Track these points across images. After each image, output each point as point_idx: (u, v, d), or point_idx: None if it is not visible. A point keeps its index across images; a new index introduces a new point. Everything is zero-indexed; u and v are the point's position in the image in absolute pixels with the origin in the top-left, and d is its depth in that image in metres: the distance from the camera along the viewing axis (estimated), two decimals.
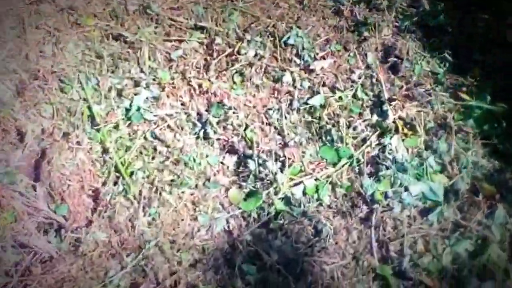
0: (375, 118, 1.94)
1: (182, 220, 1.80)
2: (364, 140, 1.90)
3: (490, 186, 1.90)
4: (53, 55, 1.97)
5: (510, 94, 2.08)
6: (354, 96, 2.00)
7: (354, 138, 1.90)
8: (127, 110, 1.92)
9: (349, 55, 2.11)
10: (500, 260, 1.78)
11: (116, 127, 1.89)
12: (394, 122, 1.91)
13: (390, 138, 1.87)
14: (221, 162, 1.88)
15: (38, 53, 1.95)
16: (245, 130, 1.91)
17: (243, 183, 1.82)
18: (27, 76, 1.88)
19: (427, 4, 2.29)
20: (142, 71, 2.02)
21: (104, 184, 1.76)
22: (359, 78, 2.04)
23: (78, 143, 1.80)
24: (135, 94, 1.94)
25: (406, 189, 1.76)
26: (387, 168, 1.81)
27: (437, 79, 2.09)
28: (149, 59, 2.05)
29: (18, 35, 1.97)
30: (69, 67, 1.95)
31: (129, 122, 1.91)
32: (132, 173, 1.79)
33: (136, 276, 1.62)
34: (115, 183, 1.76)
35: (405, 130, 1.92)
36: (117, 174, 1.78)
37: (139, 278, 1.62)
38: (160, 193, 1.77)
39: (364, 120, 1.93)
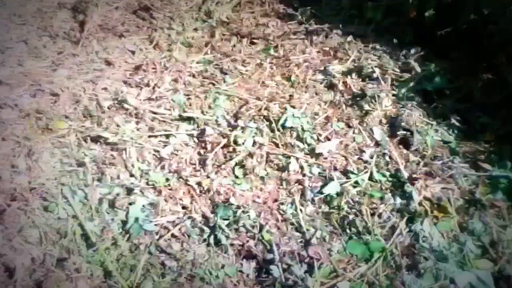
0: (398, 201, 2.25)
1: None
2: (393, 229, 2.17)
3: None
4: (27, 169, 2.18)
5: None
6: (371, 178, 2.33)
7: (381, 227, 2.18)
8: (124, 222, 2.14)
9: (354, 132, 2.50)
10: None
11: (115, 244, 2.07)
12: (420, 204, 2.22)
13: (421, 223, 2.16)
14: (240, 271, 2.09)
15: (10, 169, 2.16)
16: (260, 231, 2.15)
17: None
18: (3, 199, 2.05)
19: (418, 67, 2.79)
20: (132, 175, 2.28)
21: None
22: (371, 157, 2.38)
23: (77, 270, 1.92)
24: (130, 204, 2.16)
25: (452, 281, 2.00)
26: (426, 259, 2.06)
27: (451, 149, 2.47)
28: (138, 160, 2.33)
29: None
30: (49, 180, 2.17)
31: (128, 236, 2.11)
32: None
33: None
34: None
35: (435, 212, 2.23)
36: None
37: None
38: None
39: (388, 205, 2.24)
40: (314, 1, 3.60)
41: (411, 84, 2.75)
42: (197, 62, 2.97)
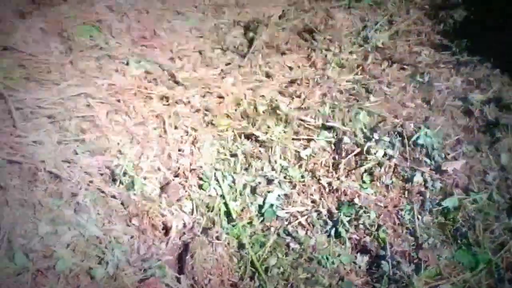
0: None
1: None
2: (502, 245, 2.47)
3: None
4: (191, 154, 2.84)
5: None
6: (490, 198, 2.62)
7: (491, 242, 2.48)
8: (260, 207, 2.71)
9: (481, 156, 2.79)
10: None
11: (251, 223, 2.65)
12: None
13: None
14: (354, 262, 2.55)
15: (177, 151, 2.83)
16: (377, 230, 2.58)
17: (377, 284, 2.44)
18: (170, 174, 2.74)
19: None
20: (273, 169, 2.85)
21: (241, 279, 2.45)
22: (494, 180, 2.67)
23: (217, 238, 2.50)
24: (268, 192, 2.73)
25: None
26: None
27: None
28: (280, 157, 2.89)
29: (160, 135, 2.90)
30: (206, 165, 2.80)
31: (262, 218, 2.68)
32: (267, 269, 2.47)
33: None
34: (251, 278, 2.44)
35: None
36: (253, 269, 2.48)
37: None
38: None
39: (501, 224, 2.53)
40: (472, 34, 3.88)
41: None
42: (347, 81, 3.47)
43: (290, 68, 3.73)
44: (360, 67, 3.64)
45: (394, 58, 3.69)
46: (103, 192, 2.52)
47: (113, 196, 2.53)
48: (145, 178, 2.68)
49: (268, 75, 3.59)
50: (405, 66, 3.59)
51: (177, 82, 3.35)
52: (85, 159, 2.60)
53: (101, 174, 2.62)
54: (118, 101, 2.97)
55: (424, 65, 3.55)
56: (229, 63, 3.74)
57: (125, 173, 2.61)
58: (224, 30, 4.14)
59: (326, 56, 3.77)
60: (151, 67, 3.40)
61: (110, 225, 2.43)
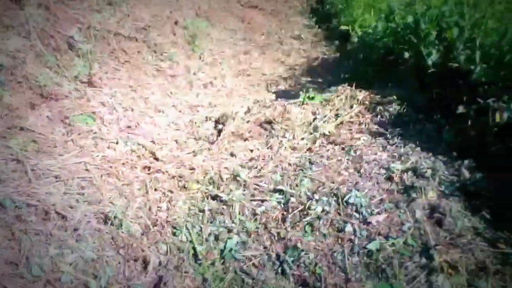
0: (423, 260, 3.00)
1: None
2: (414, 278, 2.94)
3: None
4: (167, 209, 3.37)
5: None
6: (405, 243, 3.11)
7: (405, 275, 2.94)
8: (222, 251, 3.21)
9: (399, 211, 3.31)
10: None
11: (213, 263, 3.12)
12: (440, 264, 3.06)
13: (437, 276, 3.03)
14: None
15: (156, 207, 3.36)
16: (314, 267, 3.08)
17: None
18: (150, 223, 3.22)
19: (467, 173, 3.57)
20: (233, 222, 3.36)
21: None
22: (409, 229, 3.16)
23: (185, 272, 2.99)
24: (228, 239, 3.24)
25: None
26: None
27: (477, 232, 3.37)
28: (239, 213, 3.42)
29: (143, 194, 3.39)
30: (179, 218, 3.31)
31: (223, 260, 3.16)
32: None
33: None
34: None
35: (450, 271, 3.04)
36: None
37: None
38: None
39: (414, 262, 3.00)
40: (405, 125, 4.64)
41: (457, 185, 3.61)
42: (296, 157, 4.17)
43: (251, 151, 4.38)
44: (309, 149, 4.31)
45: (337, 142, 4.38)
46: (98, 229, 3.08)
47: (106, 232, 3.09)
48: (131, 222, 3.26)
49: (232, 155, 4.24)
50: (344, 147, 4.28)
51: (156, 159, 3.98)
52: (85, 206, 3.17)
53: (96, 217, 3.18)
54: (110, 167, 3.59)
55: (360, 145, 4.26)
56: (201, 148, 4.39)
57: (115, 217, 3.16)
58: (198, 124, 4.86)
59: (281, 141, 4.44)
60: (136, 147, 4.04)
61: (103, 252, 2.97)
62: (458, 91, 4.14)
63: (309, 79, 6.11)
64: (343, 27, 7.07)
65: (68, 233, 2.89)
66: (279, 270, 3.20)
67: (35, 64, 4.50)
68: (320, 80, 5.84)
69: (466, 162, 3.72)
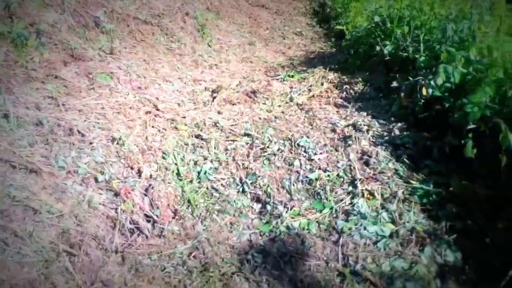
0: (350, 188, 3.45)
1: (223, 231, 3.89)
2: (341, 200, 3.47)
3: (423, 233, 3.85)
4: (160, 141, 3.86)
5: (447, 182, 4.13)
6: (338, 175, 3.63)
7: (334, 198, 3.44)
8: (198, 172, 3.73)
9: (337, 153, 3.83)
10: (425, 275, 3.63)
11: (191, 181, 3.60)
12: (361, 191, 3.79)
13: (358, 199, 3.64)
14: (251, 206, 3.77)
15: (152, 138, 3.88)
16: (267, 188, 4.02)
17: (263, 217, 3.58)
18: (146, 147, 3.80)
19: (398, 131, 4.37)
20: (209, 153, 3.86)
21: (181, 206, 3.65)
22: (342, 166, 3.64)
23: (169, 183, 3.76)
24: (204, 164, 3.78)
25: (365, 228, 3.42)
26: (355, 215, 3.51)
27: (396, 172, 4.11)
28: (214, 148, 3.97)
29: (143, 129, 4.57)
30: (169, 148, 3.79)
31: (199, 179, 3.71)
32: (197, 204, 3.64)
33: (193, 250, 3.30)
34: (187, 208, 3.59)
35: (368, 196, 3.65)
36: (188, 203, 3.45)
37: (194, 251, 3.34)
38: (211, 215, 3.74)
39: (343, 189, 3.54)
40: (366, 100, 5.41)
41: (386, 138, 4.42)
42: (267, 115, 5.00)
43: (235, 111, 5.22)
44: (282, 113, 5.10)
45: (306, 109, 5.21)
46: (107, 145, 3.91)
47: (112, 147, 3.94)
48: (131, 144, 4.07)
49: (219, 112, 5.06)
50: (310, 113, 5.08)
51: (157, 109, 4.81)
52: (99, 130, 3.80)
53: (106, 138, 3.79)
54: (120, 108, 4.39)
55: (322, 111, 5.06)
56: (195, 107, 5.26)
57: (120, 138, 3.70)
58: (198, 93, 5.71)
59: (261, 107, 5.28)
60: (143, 98, 4.93)
61: (109, 158, 3.77)
62: (407, 75, 4.91)
63: (305, 68, 6.59)
64: (338, 27, 7.79)
65: (85, 144, 3.53)
66: (240, 189, 3.77)
67: (67, 33, 5.35)
68: (322, 67, 6.45)
69: (399, 124, 4.45)
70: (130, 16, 6.33)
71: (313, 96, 5.22)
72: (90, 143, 3.50)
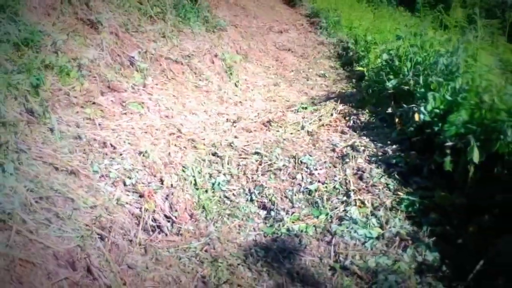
0: (344, 198, 3.90)
1: (232, 232, 4.38)
2: (336, 208, 3.84)
3: (406, 236, 4.24)
4: (181, 157, 4.39)
5: (432, 194, 4.62)
6: (334, 187, 4.12)
7: (330, 206, 3.93)
8: (213, 184, 4.22)
9: (335, 169, 4.26)
10: (406, 271, 4.02)
11: (207, 191, 4.08)
12: (354, 200, 4.34)
13: (350, 207, 4.23)
14: (258, 213, 4.27)
15: (174, 154, 4.55)
16: (271, 197, 4.55)
17: (267, 221, 4.14)
18: (168, 161, 4.62)
19: (391, 152, 4.87)
20: (223, 168, 4.38)
21: (196, 211, 4.30)
22: (339, 179, 4.17)
23: (187, 191, 4.28)
24: (218, 177, 4.27)
25: (355, 231, 3.85)
26: (347, 220, 4.00)
27: (387, 186, 4.53)
28: (228, 164, 4.44)
29: (167, 146, 5.18)
30: (188, 162, 4.28)
31: (213, 190, 4.20)
32: (210, 210, 4.20)
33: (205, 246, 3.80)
34: (201, 212, 4.25)
35: (359, 204, 4.13)
36: (203, 209, 4.00)
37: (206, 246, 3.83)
38: (223, 219, 4.25)
39: (338, 199, 4.04)
40: (370, 129, 5.91)
41: (381, 157, 4.88)
42: (276, 138, 5.57)
43: (254, 137, 5.80)
44: (291, 134, 5.64)
45: (315, 137, 5.73)
46: (134, 156, 4.54)
47: (139, 158, 4.56)
48: (155, 157, 4.64)
49: (235, 137, 5.66)
50: (314, 136, 5.60)
51: (181, 132, 5.46)
52: (128, 145, 4.57)
53: (134, 151, 4.55)
54: (148, 129, 5.10)
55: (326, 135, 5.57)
56: (215, 134, 5.84)
57: (146, 152, 4.28)
58: (220, 123, 6.28)
59: (276, 134, 5.85)
60: (169, 124, 5.54)
61: (136, 167, 4.37)
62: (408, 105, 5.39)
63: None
64: (359, 69, 8.20)
65: (116, 155, 4.09)
66: (249, 198, 4.26)
67: (105, 68, 6.09)
68: (333, 100, 6.92)
69: (394, 146, 4.94)
70: (162, 57, 6.96)
71: (322, 125, 5.65)
72: (120, 154, 4.04)
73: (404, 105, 4.92)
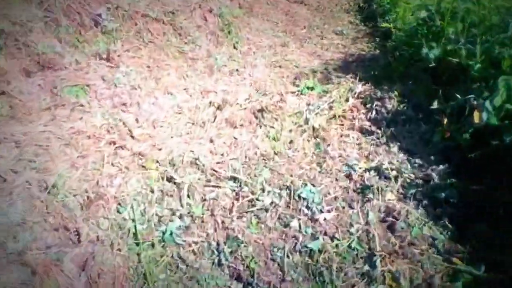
0: (365, 268, 2.49)
1: None
2: (352, 286, 2.45)
3: None
4: (119, 186, 2.91)
5: (503, 267, 2.76)
6: (350, 246, 2.60)
7: (343, 281, 2.44)
8: (163, 233, 2.74)
9: (351, 212, 2.80)
10: None
11: (152, 245, 2.67)
12: (382, 273, 2.45)
13: (376, 286, 2.52)
14: (228, 286, 2.53)
15: (108, 182, 2.91)
16: (251, 261, 2.58)
17: None
18: (94, 196, 2.79)
19: (437, 179, 2.96)
20: (181, 205, 2.89)
21: (132, 283, 2.51)
22: (357, 231, 2.66)
23: (119, 250, 2.56)
24: (171, 222, 2.77)
25: None
26: None
27: (433, 243, 2.66)
28: (188, 197, 2.95)
29: (98, 168, 3.00)
30: (128, 196, 2.87)
31: (162, 243, 2.70)
32: (155, 281, 2.49)
33: None
34: (143, 285, 2.65)
35: (391, 282, 2.40)
36: (145, 281, 2.50)
37: None
38: None
39: (355, 268, 2.50)
40: (401, 124, 3.86)
41: (422, 189, 3.02)
42: (270, 148, 3.67)
43: (235, 138, 3.92)
44: (292, 142, 3.72)
45: (321, 136, 3.83)
46: (35, 196, 2.71)
47: (41, 199, 2.72)
48: (70, 193, 2.87)
49: (211, 140, 3.81)
50: (321, 147, 3.66)
51: (132, 136, 3.59)
52: (31, 173, 2.80)
53: (39, 184, 2.79)
54: (72, 138, 3.22)
55: (338, 142, 3.69)
56: (187, 131, 3.95)
57: (54, 186, 2.80)
58: (200, 110, 4.39)
59: (268, 132, 3.96)
60: (115, 122, 3.66)
61: (30, 217, 2.61)
62: (456, 89, 3.48)
63: (340, 74, 5.34)
64: (384, 25, 6.45)
65: (2, 195, 2.53)
66: (216, 260, 2.69)
67: (45, 34, 4.19)
68: (350, 76, 5.16)
69: (440, 167, 3.09)
70: (138, 13, 5.30)
71: (334, 116, 4.07)
72: (10, 193, 2.28)
73: (457, 95, 3.33)
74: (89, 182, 2.81)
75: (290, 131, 3.85)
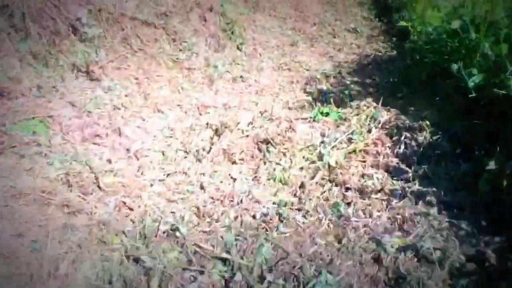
0: None
1: None
2: None
3: None
4: (65, 275, 2.12)
5: None
6: None
7: None
8: None
9: None
10: None
11: None
12: None
13: None
14: None
15: (52, 271, 2.13)
16: None
17: None
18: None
19: (494, 259, 2.17)
20: None
21: None
22: None
23: None
24: None
25: None
26: None
27: None
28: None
29: (37, 249, 2.20)
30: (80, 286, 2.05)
31: None
32: None
33: None
34: None
35: None
36: None
37: None
38: None
39: None
40: (436, 162, 3.10)
41: (476, 277, 2.15)
42: (273, 203, 2.79)
43: (234, 180, 3.08)
44: (301, 186, 2.97)
45: (339, 180, 2.97)
46: None
47: None
48: None
49: (202, 187, 2.96)
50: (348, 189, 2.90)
51: (99, 187, 2.76)
52: None
53: None
54: (6, 206, 2.38)
55: (359, 192, 2.82)
56: (175, 170, 3.16)
57: None
58: (196, 132, 3.65)
59: (274, 169, 3.11)
60: (79, 168, 2.83)
61: None
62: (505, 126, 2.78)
63: (356, 79, 4.83)
64: (402, 23, 5.46)
65: None
66: None
67: (1, 52, 3.37)
68: (367, 81, 4.67)
69: (496, 239, 2.18)
70: (125, 17, 4.56)
71: (354, 151, 3.30)
72: None
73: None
74: (21, 276, 1.94)
75: (301, 169, 3.06)
